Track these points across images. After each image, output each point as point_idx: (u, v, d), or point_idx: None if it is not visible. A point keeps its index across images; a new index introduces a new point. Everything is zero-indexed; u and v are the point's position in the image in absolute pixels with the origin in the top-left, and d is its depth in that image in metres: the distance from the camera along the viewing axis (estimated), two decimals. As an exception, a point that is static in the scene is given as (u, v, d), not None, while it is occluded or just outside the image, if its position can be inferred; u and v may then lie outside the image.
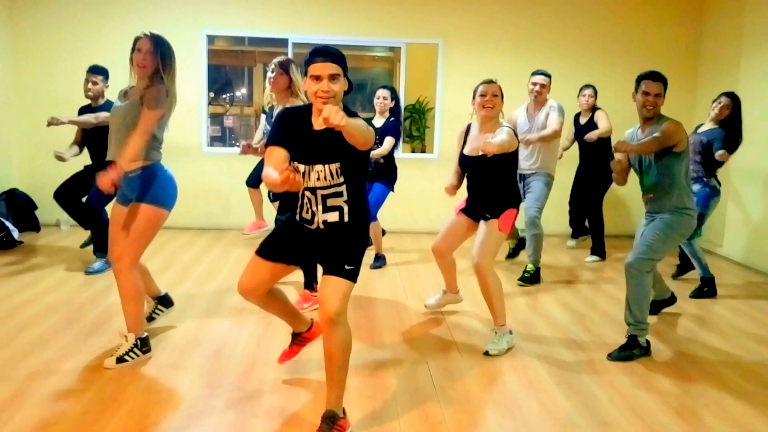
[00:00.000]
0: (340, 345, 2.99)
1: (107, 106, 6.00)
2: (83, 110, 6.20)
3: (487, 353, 4.23)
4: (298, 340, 3.73)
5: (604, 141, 7.05)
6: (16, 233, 6.96)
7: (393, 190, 6.30)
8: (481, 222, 4.50)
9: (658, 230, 4.27)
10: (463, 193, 4.73)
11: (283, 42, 8.00)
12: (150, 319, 4.47)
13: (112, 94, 6.19)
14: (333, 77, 2.96)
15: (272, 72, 4.87)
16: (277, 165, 2.95)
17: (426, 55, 8.45)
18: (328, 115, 2.58)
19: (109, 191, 3.67)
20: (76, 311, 4.79)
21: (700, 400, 3.64)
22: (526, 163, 6.23)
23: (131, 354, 3.84)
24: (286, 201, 4.84)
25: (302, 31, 7.99)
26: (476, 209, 4.58)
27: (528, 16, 8.11)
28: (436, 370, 3.93)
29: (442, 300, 5.12)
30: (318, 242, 3.21)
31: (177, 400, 3.42)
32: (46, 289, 5.33)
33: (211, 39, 8.07)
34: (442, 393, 3.62)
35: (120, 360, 3.80)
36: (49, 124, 5.65)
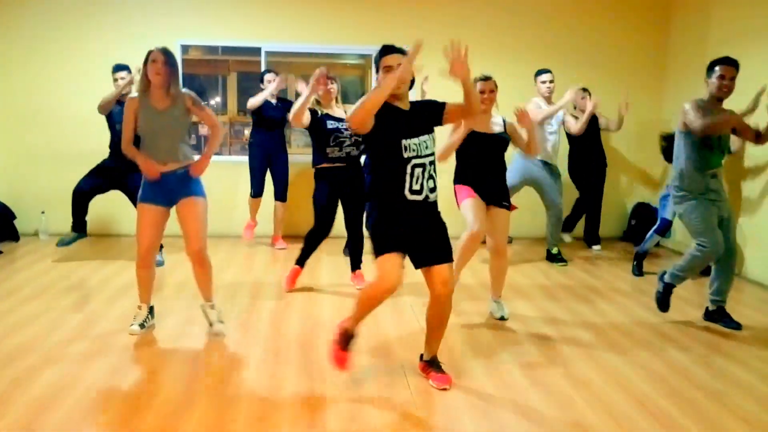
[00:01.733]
0: (450, 312, 3.75)
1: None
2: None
3: (503, 318, 5.02)
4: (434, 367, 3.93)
5: (594, 126, 7.60)
6: (-5, 243, 7.00)
7: None
8: (499, 209, 4.92)
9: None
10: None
11: (256, 51, 8.11)
12: (141, 326, 4.60)
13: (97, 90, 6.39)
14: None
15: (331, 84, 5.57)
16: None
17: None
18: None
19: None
20: (58, 318, 4.85)
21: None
22: (546, 155, 6.93)
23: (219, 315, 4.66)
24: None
25: (275, 39, 8.11)
26: (491, 192, 4.93)
27: (504, 21, 8.27)
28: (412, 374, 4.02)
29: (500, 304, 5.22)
30: (424, 222, 3.62)
31: (158, 405, 3.49)
32: (26, 297, 5.38)
33: (185, 48, 8.16)
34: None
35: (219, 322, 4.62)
36: None
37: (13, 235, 7.67)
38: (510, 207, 4.97)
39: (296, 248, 7.19)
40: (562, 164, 7.63)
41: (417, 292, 5.38)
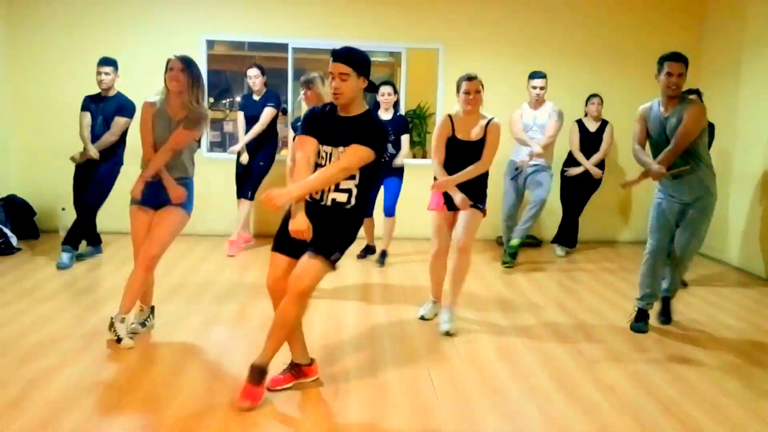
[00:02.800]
0: (298, 314, 3.42)
1: (118, 98, 6.31)
2: (91, 99, 6.37)
3: (448, 333, 4.61)
4: (296, 371, 3.72)
5: (600, 142, 7.42)
6: (14, 240, 6.91)
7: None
8: (459, 212, 4.71)
9: (703, 217, 4.70)
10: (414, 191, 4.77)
11: (283, 47, 7.96)
12: (143, 325, 4.49)
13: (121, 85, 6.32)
14: (341, 76, 3.37)
15: (303, 92, 5.29)
16: (308, 153, 3.46)
17: (427, 60, 8.40)
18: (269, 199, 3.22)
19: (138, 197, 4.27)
20: (75, 319, 4.75)
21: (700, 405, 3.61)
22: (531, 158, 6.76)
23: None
24: None
25: (302, 35, 7.94)
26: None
27: (528, 20, 8.08)
28: (437, 376, 3.89)
29: (434, 309, 5.06)
30: (318, 221, 3.41)
31: (175, 409, 3.38)
32: (44, 296, 5.27)
33: (210, 44, 8.03)
34: (443, 400, 3.59)
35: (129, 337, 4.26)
36: (76, 160, 6.30)
37: (32, 233, 7.56)
38: (482, 209, 4.74)
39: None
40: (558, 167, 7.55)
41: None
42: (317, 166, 3.47)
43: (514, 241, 6.82)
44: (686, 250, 4.81)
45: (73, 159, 6.35)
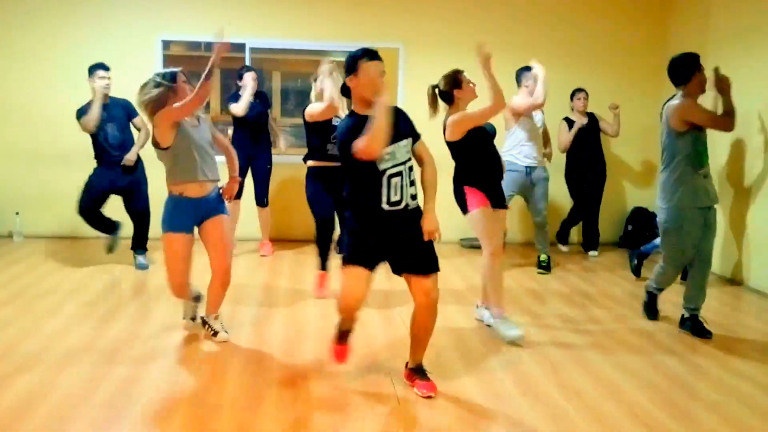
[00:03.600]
0: (435, 320, 3.61)
1: (118, 101, 6.29)
2: (85, 107, 6.15)
3: (518, 338, 4.50)
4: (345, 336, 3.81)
5: (596, 132, 7.48)
6: (-35, 246, 6.73)
7: None
8: (499, 210, 4.72)
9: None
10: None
11: (240, 47, 7.87)
12: (193, 318, 4.62)
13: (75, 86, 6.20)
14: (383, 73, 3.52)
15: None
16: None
17: (386, 59, 8.36)
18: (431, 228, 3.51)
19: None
20: (32, 324, 4.64)
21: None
22: (535, 155, 6.57)
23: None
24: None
25: (259, 35, 7.88)
26: (499, 195, 4.73)
27: (490, 19, 8.10)
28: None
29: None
30: (400, 233, 3.47)
31: (136, 414, 3.32)
32: (0, 301, 5.16)
33: (166, 44, 7.91)
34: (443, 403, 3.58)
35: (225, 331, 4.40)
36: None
37: (-15, 238, 7.37)
38: (508, 207, 4.80)
39: (281, 255, 7.00)
40: (560, 169, 7.54)
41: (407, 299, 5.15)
42: (380, 171, 3.37)
43: (543, 257, 6.71)
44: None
45: (127, 161, 6.25)
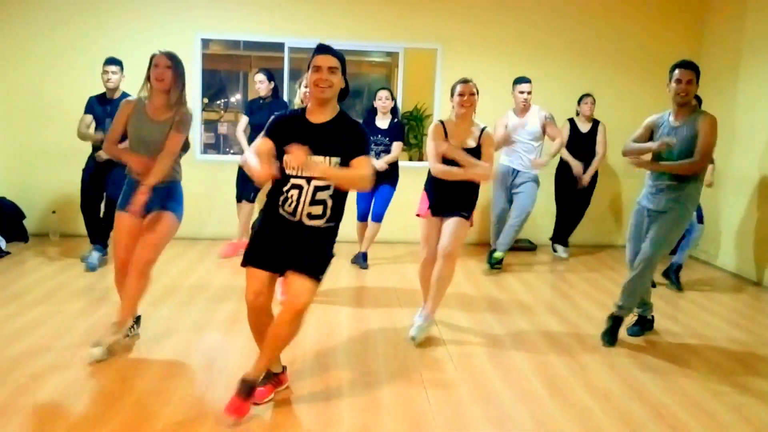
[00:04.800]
0: (294, 332, 3.29)
1: (124, 98, 6.00)
2: (98, 101, 6.23)
3: (413, 339, 4.45)
4: (274, 380, 3.56)
5: (591, 143, 7.38)
6: (3, 243, 6.75)
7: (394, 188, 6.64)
8: (455, 217, 4.57)
9: (675, 224, 4.51)
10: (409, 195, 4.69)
11: (279, 46, 7.84)
12: (126, 335, 4.28)
13: (127, 85, 6.18)
14: (331, 69, 3.21)
15: (306, 89, 4.94)
16: (263, 155, 3.21)
17: (424, 60, 8.29)
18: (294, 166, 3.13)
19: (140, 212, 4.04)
20: (65, 323, 4.62)
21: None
22: (522, 164, 6.66)
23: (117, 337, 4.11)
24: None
25: (298, 35, 7.81)
26: (447, 206, 4.61)
27: (527, 20, 7.98)
28: (430, 384, 3.83)
29: (425, 323, 4.71)
30: (294, 239, 3.28)
31: (167, 415, 3.29)
32: (34, 300, 5.13)
33: (205, 43, 7.90)
34: (437, 406, 3.53)
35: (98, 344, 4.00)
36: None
37: (22, 236, 7.38)
38: (468, 218, 4.61)
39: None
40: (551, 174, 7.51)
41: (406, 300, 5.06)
42: (288, 177, 3.23)
43: (498, 254, 6.66)
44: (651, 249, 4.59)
45: (98, 157, 6.22)
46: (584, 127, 7.41)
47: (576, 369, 4.14)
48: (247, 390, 3.27)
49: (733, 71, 7.29)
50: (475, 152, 4.52)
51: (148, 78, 4.08)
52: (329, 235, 3.37)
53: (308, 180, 3.20)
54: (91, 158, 6.36)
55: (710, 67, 7.79)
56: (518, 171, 6.66)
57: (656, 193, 4.57)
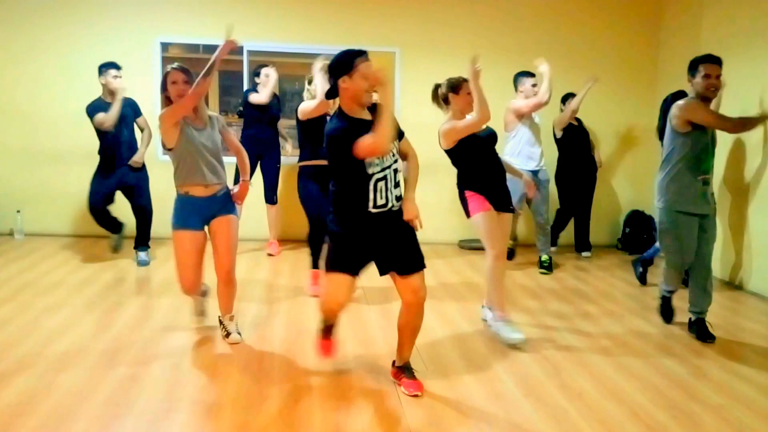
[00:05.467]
0: (422, 321, 3.68)
1: (125, 100, 6.37)
2: (100, 106, 6.27)
3: (523, 341, 4.52)
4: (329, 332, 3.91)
5: (584, 136, 7.57)
6: (-35, 245, 6.78)
7: None
8: (507, 214, 4.75)
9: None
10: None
11: (238, 50, 7.91)
12: (202, 314, 4.71)
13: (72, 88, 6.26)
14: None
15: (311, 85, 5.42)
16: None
17: (382, 63, 8.44)
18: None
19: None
20: (32, 321, 4.67)
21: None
22: (538, 157, 6.78)
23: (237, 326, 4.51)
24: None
25: (257, 38, 7.93)
26: (503, 198, 4.72)
27: (483, 24, 8.17)
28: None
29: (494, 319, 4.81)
30: (386, 236, 3.50)
31: (136, 414, 3.36)
32: (0, 299, 5.18)
33: (164, 46, 7.96)
34: (408, 405, 3.61)
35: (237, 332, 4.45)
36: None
37: (-16, 237, 7.41)
38: (515, 210, 4.87)
39: (288, 254, 7.02)
40: (551, 171, 7.56)
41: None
42: (368, 176, 3.42)
43: (544, 257, 6.82)
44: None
45: (134, 163, 6.48)
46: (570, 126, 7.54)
47: (549, 369, 4.13)
48: (410, 370, 3.75)
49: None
50: (491, 135, 4.72)
51: (164, 90, 4.15)
52: (401, 213, 3.55)
53: (390, 167, 3.45)
54: (104, 166, 6.46)
55: (668, 66, 7.97)
56: (537, 171, 6.79)
57: (705, 194, 4.65)
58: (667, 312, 5.14)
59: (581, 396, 3.74)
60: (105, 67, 6.27)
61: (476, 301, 5.41)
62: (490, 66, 7.82)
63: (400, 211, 3.54)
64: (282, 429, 3.24)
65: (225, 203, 4.31)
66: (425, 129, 5.10)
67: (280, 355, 4.24)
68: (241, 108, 7.29)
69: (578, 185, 7.65)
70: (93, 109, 6.27)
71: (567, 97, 7.58)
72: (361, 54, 3.41)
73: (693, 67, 4.59)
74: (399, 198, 3.53)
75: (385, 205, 3.46)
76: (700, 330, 4.78)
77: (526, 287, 6.20)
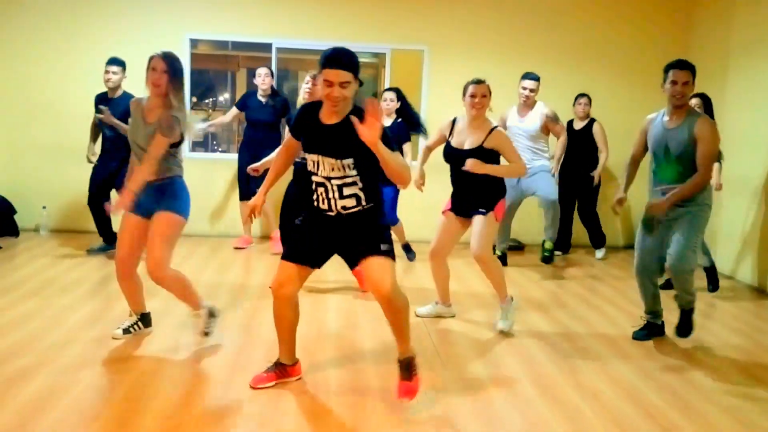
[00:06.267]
0: (400, 310, 3.34)
1: (125, 98, 6.21)
2: (100, 99, 6.38)
3: (501, 331, 4.65)
4: (280, 370, 3.70)
5: (584, 141, 7.42)
6: (-7, 238, 6.85)
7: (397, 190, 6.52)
8: (477, 216, 4.62)
9: (693, 230, 4.34)
10: (437, 193, 4.76)
11: (266, 47, 7.94)
12: (126, 332, 4.34)
13: (129, 85, 6.32)
14: (343, 84, 3.13)
15: (308, 84, 5.12)
16: (286, 151, 3.51)
17: (411, 61, 8.40)
18: (369, 131, 2.94)
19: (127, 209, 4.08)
20: (55, 317, 4.69)
21: (700, 391, 3.64)
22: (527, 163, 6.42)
23: (210, 327, 4.31)
24: (300, 199, 4.76)
25: (286, 35, 7.92)
26: (467, 205, 4.68)
27: (514, 22, 8.10)
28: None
29: (433, 310, 5.09)
30: (341, 229, 3.36)
31: (156, 409, 3.36)
32: (24, 295, 5.21)
33: (194, 43, 7.99)
34: (426, 400, 3.57)
35: (207, 333, 4.29)
36: (101, 119, 6.15)
37: (13, 231, 7.48)
38: (486, 212, 4.62)
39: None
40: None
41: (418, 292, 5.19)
42: (308, 174, 3.35)
43: (548, 244, 6.78)
44: (675, 256, 4.40)
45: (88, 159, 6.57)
46: (578, 125, 7.47)
47: (565, 368, 4.13)
48: (406, 368, 3.43)
49: (722, 71, 7.38)
50: (477, 153, 4.50)
51: (147, 79, 4.03)
52: (374, 212, 3.37)
53: (328, 179, 3.26)
54: (104, 157, 6.57)
55: (699, 67, 7.84)
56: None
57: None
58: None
59: (597, 396, 3.74)
60: (106, 63, 6.35)
61: (494, 299, 5.34)
62: (516, 64, 7.84)
63: (354, 214, 3.34)
64: (300, 421, 3.24)
65: (165, 197, 4.14)
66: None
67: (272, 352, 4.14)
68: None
69: (580, 187, 7.53)
70: (96, 101, 6.43)
71: (577, 98, 7.48)
72: (328, 62, 3.13)
73: (665, 72, 4.43)
74: (346, 208, 3.31)
75: (327, 210, 3.35)
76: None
77: (543, 286, 6.24)
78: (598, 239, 7.73)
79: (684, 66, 4.33)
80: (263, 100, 7.19)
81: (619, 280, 6.63)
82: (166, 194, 4.13)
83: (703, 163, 4.26)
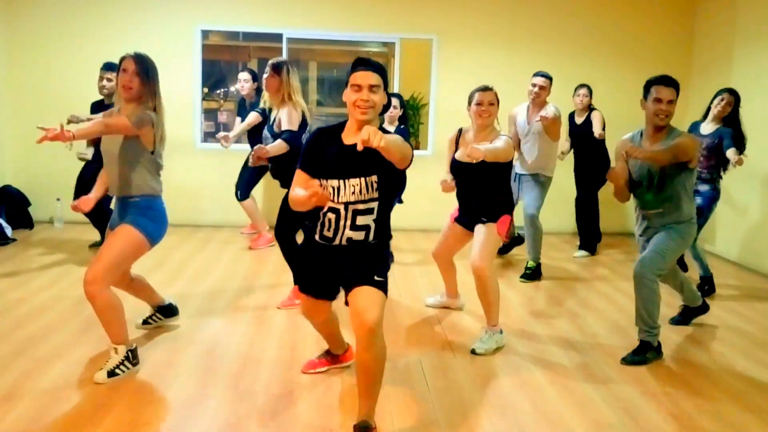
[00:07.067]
0: (377, 357, 2.90)
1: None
2: (96, 106, 6.36)
3: (473, 351, 4.18)
4: (331, 357, 3.79)
5: (599, 141, 7.02)
6: (9, 230, 6.92)
7: (401, 201, 6.33)
8: (478, 225, 4.40)
9: (672, 240, 4.08)
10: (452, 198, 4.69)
11: (277, 37, 7.95)
12: (145, 322, 4.40)
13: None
14: (373, 88, 2.96)
15: (266, 73, 4.81)
16: (305, 185, 3.01)
17: (420, 50, 8.41)
18: (366, 137, 2.55)
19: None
20: (70, 309, 4.74)
21: (697, 403, 3.64)
22: (523, 164, 6.24)
23: (122, 367, 3.63)
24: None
25: (296, 26, 7.93)
26: (471, 217, 4.50)
27: (523, 12, 8.07)
28: (429, 370, 3.91)
29: (441, 301, 5.12)
30: (340, 259, 3.13)
31: (169, 400, 3.40)
32: (39, 286, 5.27)
33: (205, 34, 8.02)
34: (435, 393, 3.61)
35: (111, 374, 3.58)
36: (69, 121, 5.97)
37: (27, 223, 7.55)
38: (487, 221, 4.38)
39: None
40: (569, 167, 7.33)
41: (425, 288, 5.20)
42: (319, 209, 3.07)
43: (530, 263, 6.20)
44: (643, 263, 4.12)
45: (82, 158, 6.52)
46: (579, 118, 7.14)
47: (575, 358, 4.17)
48: None
49: (726, 60, 7.37)
50: (486, 165, 4.16)
51: (117, 82, 3.70)
52: (378, 245, 3.15)
53: (345, 205, 3.02)
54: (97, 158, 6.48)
55: (703, 57, 7.89)
56: (519, 174, 6.28)
57: (646, 227, 4.26)
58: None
59: (607, 384, 3.78)
60: (101, 69, 6.19)
61: (507, 291, 5.38)
62: (527, 54, 7.84)
63: (352, 245, 3.10)
64: (311, 415, 3.25)
65: (129, 211, 3.76)
66: (459, 117, 5.01)
67: (312, 345, 4.20)
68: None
69: (588, 179, 7.25)
70: (92, 109, 6.37)
71: (577, 89, 7.13)
72: (358, 63, 3.01)
73: (646, 88, 4.06)
74: (351, 239, 3.07)
75: (331, 239, 3.10)
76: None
77: (556, 278, 6.20)
78: (588, 238, 7.39)
79: (669, 83, 3.96)
80: (247, 103, 6.97)
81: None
82: (136, 210, 3.75)
83: (675, 145, 3.92)
